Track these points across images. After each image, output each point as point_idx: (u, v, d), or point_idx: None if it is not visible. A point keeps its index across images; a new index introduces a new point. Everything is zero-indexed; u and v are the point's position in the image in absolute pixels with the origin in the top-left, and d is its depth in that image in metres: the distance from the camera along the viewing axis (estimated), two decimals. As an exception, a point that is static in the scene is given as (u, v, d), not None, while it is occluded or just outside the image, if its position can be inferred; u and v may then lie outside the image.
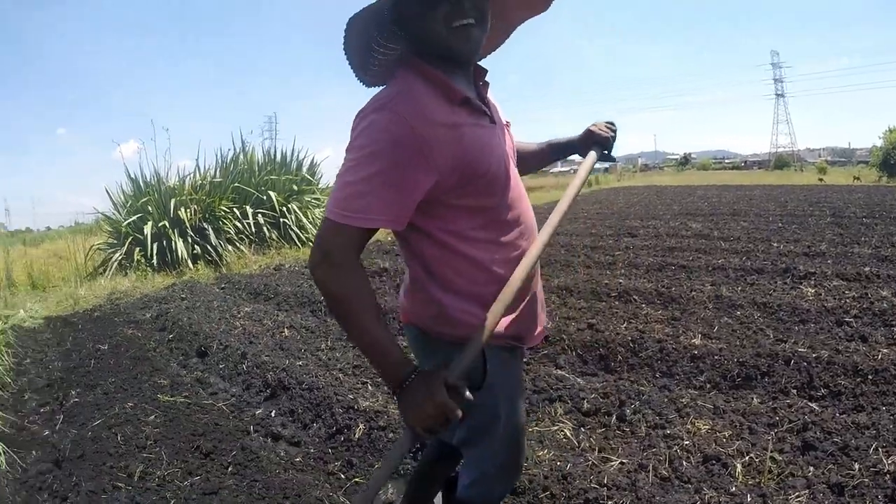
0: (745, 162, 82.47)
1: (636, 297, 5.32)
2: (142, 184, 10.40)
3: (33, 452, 3.19)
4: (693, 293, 5.27)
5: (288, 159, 12.20)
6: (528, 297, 1.59)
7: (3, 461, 3.02)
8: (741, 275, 6.11)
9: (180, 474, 2.82)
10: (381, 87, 1.38)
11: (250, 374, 4.06)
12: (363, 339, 1.33)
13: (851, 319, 4.41)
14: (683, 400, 3.26)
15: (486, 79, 1.52)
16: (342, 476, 2.76)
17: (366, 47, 1.36)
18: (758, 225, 10.16)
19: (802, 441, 2.69)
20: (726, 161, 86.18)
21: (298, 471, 2.84)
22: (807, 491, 2.34)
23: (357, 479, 2.71)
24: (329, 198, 1.32)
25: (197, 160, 11.20)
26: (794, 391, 3.28)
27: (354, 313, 1.31)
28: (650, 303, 5.16)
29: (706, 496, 2.38)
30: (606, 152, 1.80)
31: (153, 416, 3.52)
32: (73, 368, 4.66)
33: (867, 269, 6.05)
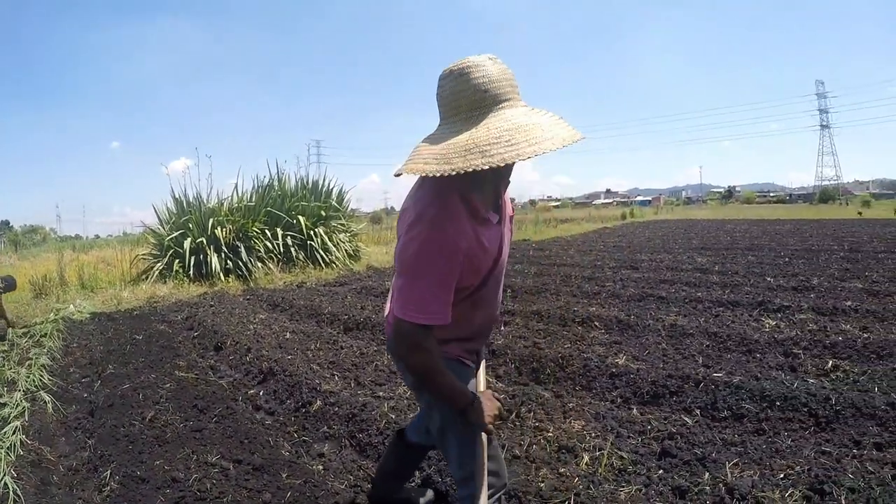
0: (790, 195, 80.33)
1: (597, 324, 5.67)
2: (185, 204, 11.52)
3: (73, 406, 4.22)
4: (651, 322, 5.56)
5: (319, 187, 13.12)
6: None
7: (51, 408, 4.11)
8: (710, 307, 6.35)
9: (179, 420, 3.85)
10: (423, 193, 1.66)
11: (251, 364, 4.92)
12: (443, 390, 1.75)
13: (800, 351, 4.52)
14: (570, 404, 3.75)
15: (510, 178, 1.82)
16: (295, 435, 3.62)
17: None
18: (763, 260, 10.30)
19: (661, 448, 3.04)
20: (771, 194, 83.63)
21: (264, 427, 3.76)
22: (642, 487, 2.68)
23: (305, 438, 3.54)
24: (404, 299, 1.62)
25: (235, 185, 12.29)
26: (698, 411, 3.55)
27: (436, 377, 1.71)
28: (609, 329, 5.50)
29: (542, 472, 2.87)
30: None
31: (168, 385, 4.56)
32: (112, 351, 5.71)
33: (848, 303, 6.18)
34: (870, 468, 2.70)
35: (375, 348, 5.30)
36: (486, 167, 1.39)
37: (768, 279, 8.13)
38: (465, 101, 1.50)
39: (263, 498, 2.82)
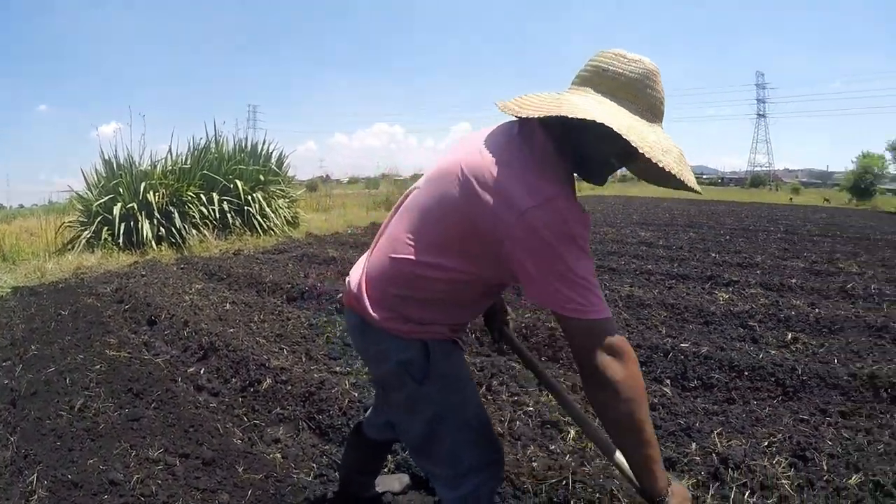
0: (723, 179, 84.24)
1: (552, 294, 5.63)
2: (115, 166, 10.74)
3: (-7, 396, 3.68)
4: (607, 292, 5.54)
5: (258, 151, 12.57)
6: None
7: (-35, 402, 3.50)
8: (663, 279, 6.49)
9: (112, 408, 3.36)
10: (535, 163, 1.39)
11: (189, 339, 4.49)
12: (648, 431, 1.35)
13: (755, 324, 4.75)
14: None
15: None
16: (245, 419, 3.25)
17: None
18: (705, 237, 10.58)
19: None
20: (704, 177, 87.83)
21: (209, 411, 3.35)
22: None
23: (257, 422, 3.19)
24: (582, 294, 1.31)
25: (170, 146, 11.47)
26: (669, 381, 3.62)
27: (645, 409, 1.34)
28: (563, 299, 5.48)
29: (530, 450, 2.73)
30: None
31: (99, 366, 4.02)
32: (35, 329, 5.10)
33: (793, 280, 6.47)
34: (845, 435, 2.88)
35: (325, 319, 5.01)
36: (666, 170, 1.31)
37: (713, 255, 8.42)
38: (647, 98, 1.37)
39: (220, 499, 2.47)
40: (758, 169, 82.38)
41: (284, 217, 12.07)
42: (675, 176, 1.32)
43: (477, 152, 1.44)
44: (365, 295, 1.64)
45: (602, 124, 1.26)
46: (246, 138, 12.91)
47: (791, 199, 33.19)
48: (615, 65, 1.37)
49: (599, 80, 1.37)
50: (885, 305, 5.53)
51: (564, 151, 1.42)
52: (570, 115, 1.28)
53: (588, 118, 1.26)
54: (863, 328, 4.69)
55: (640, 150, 1.26)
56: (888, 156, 26.40)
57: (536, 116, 1.35)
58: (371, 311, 1.61)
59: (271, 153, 12.85)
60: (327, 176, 54.60)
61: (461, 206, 1.40)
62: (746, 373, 3.62)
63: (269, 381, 3.55)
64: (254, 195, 11.40)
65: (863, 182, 28.39)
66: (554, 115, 1.31)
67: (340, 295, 5.35)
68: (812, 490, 2.46)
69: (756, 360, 3.75)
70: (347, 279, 1.77)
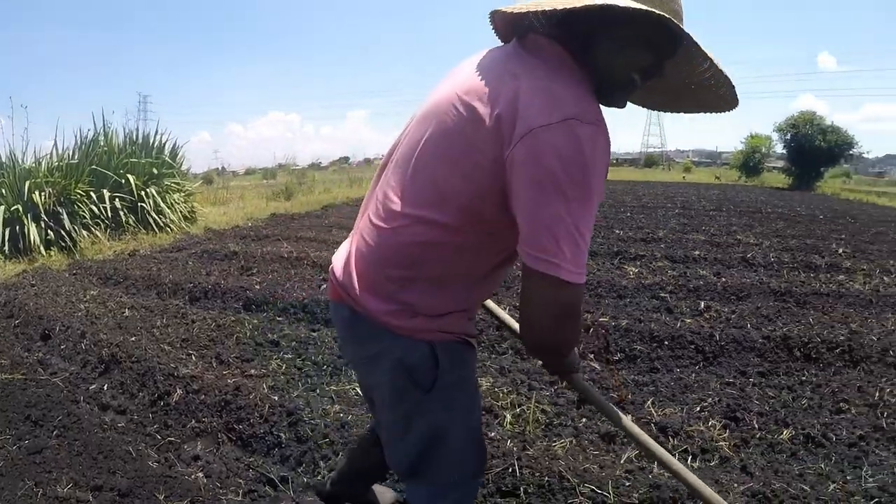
0: (617, 159, 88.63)
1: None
2: (-5, 165, 9.81)
3: None
4: (517, 271, 5.52)
5: (150, 142, 11.80)
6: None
7: None
8: None
9: (11, 440, 2.95)
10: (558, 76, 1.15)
11: (88, 353, 4.09)
12: (575, 356, 1.48)
13: (666, 295, 4.96)
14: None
15: None
16: (158, 436, 2.95)
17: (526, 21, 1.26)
18: (607, 215, 10.87)
19: (577, 396, 3.01)
20: None
21: (118, 433, 3.01)
22: (573, 438, 2.65)
23: (171, 439, 2.90)
24: (571, 250, 1.08)
25: (55, 140, 10.54)
26: (592, 355, 3.66)
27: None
28: (475, 282, 5.46)
29: None
30: None
31: None
32: None
33: (697, 252, 6.83)
34: (770, 393, 3.13)
35: (232, 318, 4.70)
36: (720, 67, 1.19)
37: (617, 231, 8.77)
38: (669, 3, 1.12)
39: (143, 535, 2.18)
40: (651, 150, 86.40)
41: (181, 212, 11.37)
42: (725, 75, 1.20)
43: (474, 75, 1.21)
44: (356, 282, 1.35)
45: (642, 21, 1.07)
46: (137, 129, 11.99)
47: (684, 177, 35.72)
48: None
49: None
50: (785, 272, 5.94)
51: (583, 68, 1.19)
52: (619, 4, 1.04)
53: (644, 6, 1.05)
54: (768, 293, 4.98)
55: (697, 42, 1.13)
56: (775, 136, 28.03)
57: (565, 7, 1.09)
58: (365, 302, 1.33)
59: (164, 144, 12.09)
60: (223, 167, 52.54)
61: (462, 137, 1.17)
62: (667, 342, 3.79)
63: (179, 391, 3.26)
64: (147, 190, 10.67)
65: (751, 160, 30.38)
66: (590, 4, 1.06)
67: (323, 288, 5.16)
68: (748, 448, 2.62)
69: (674, 330, 3.93)
70: (331, 267, 1.47)
